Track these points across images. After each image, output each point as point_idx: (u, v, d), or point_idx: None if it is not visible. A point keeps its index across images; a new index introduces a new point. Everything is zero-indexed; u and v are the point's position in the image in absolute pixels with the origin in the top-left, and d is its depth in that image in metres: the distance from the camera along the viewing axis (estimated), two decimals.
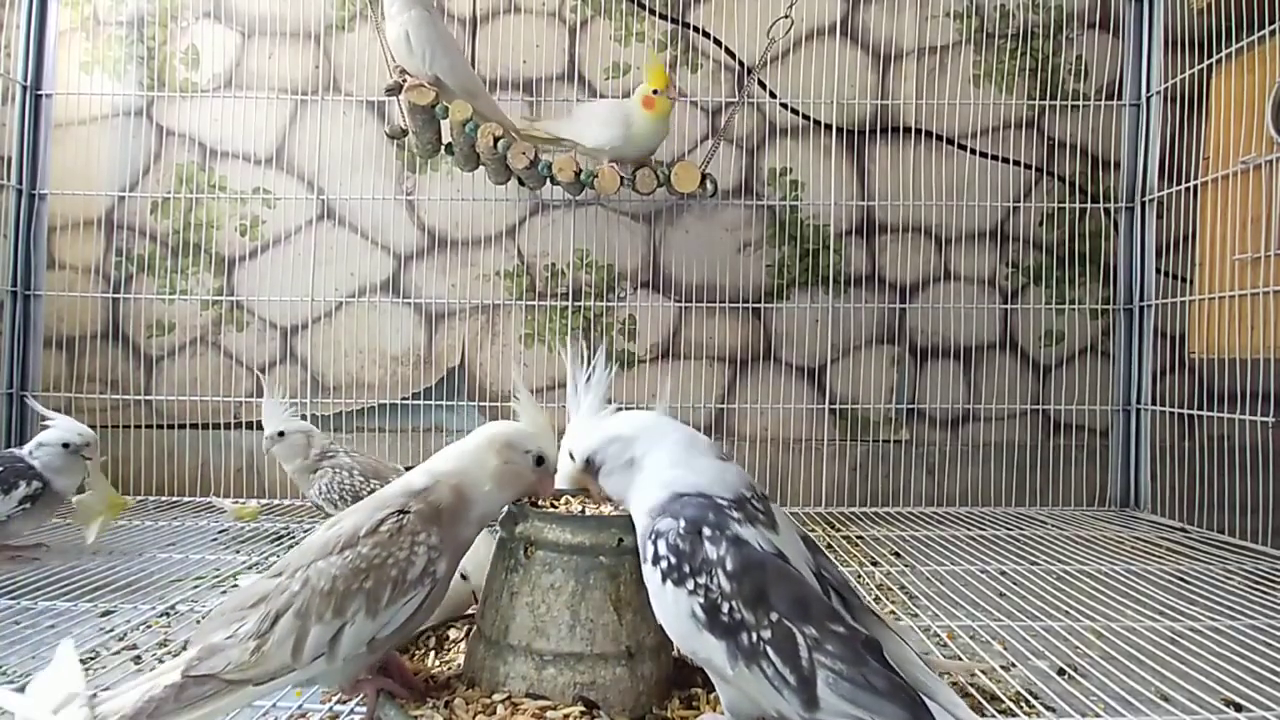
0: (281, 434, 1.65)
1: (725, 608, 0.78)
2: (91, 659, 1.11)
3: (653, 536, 0.83)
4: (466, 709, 0.90)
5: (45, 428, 1.57)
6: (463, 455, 0.96)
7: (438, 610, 1.03)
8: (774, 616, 0.77)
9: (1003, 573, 1.60)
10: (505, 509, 1.01)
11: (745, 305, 2.28)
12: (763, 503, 0.87)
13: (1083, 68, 2.30)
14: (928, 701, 0.76)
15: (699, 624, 0.79)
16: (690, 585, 0.80)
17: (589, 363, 1.06)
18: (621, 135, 1.81)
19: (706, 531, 0.81)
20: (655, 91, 1.78)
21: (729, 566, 0.79)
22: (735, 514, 0.83)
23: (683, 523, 0.82)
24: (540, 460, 0.97)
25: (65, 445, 1.53)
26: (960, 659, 1.18)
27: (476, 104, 1.77)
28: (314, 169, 2.26)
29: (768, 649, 0.76)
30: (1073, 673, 1.14)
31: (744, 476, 0.89)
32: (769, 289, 2.29)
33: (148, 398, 2.23)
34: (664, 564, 0.81)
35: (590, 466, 0.93)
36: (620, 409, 1.02)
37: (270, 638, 0.82)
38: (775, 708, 0.77)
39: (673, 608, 0.81)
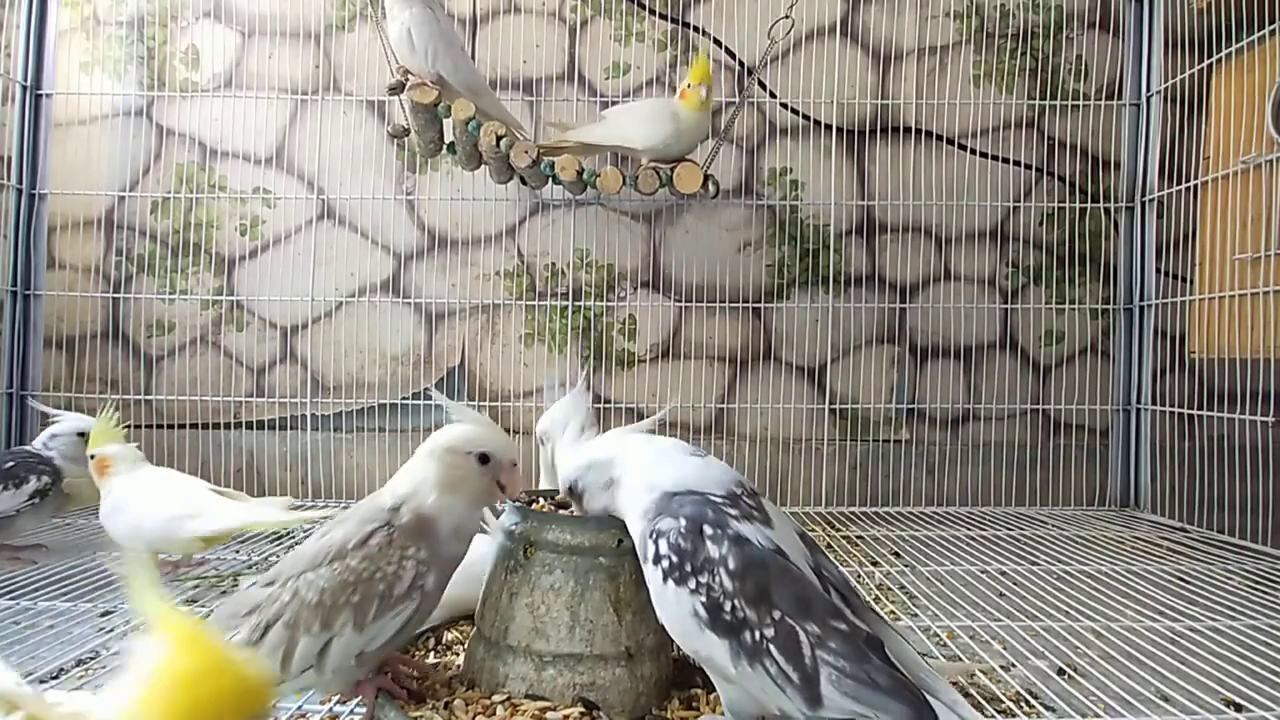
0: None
1: (728, 606, 0.78)
2: (91, 659, 1.11)
3: (653, 536, 0.83)
4: (466, 710, 0.90)
5: (50, 424, 1.59)
6: (410, 474, 0.93)
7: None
8: (776, 615, 0.77)
9: (1003, 573, 1.60)
10: (506, 511, 1.01)
11: (745, 305, 2.28)
12: (754, 499, 0.87)
13: (1083, 68, 2.30)
14: (930, 699, 0.76)
15: (701, 623, 0.79)
16: (692, 584, 0.79)
17: (575, 379, 1.05)
18: (672, 131, 1.80)
19: (708, 530, 0.81)
20: (689, 85, 1.79)
21: (731, 565, 0.79)
22: (732, 511, 0.83)
23: (683, 521, 0.82)
24: (484, 458, 0.92)
25: (81, 434, 1.56)
26: (960, 659, 1.18)
27: (479, 102, 1.77)
28: (314, 169, 2.26)
29: (770, 647, 0.76)
30: (1073, 673, 1.14)
31: (731, 472, 0.89)
32: (769, 289, 2.29)
33: (148, 398, 2.23)
34: (665, 563, 0.81)
35: (574, 494, 0.94)
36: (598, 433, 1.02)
37: (261, 648, 0.82)
38: (778, 706, 0.77)
39: (674, 607, 0.81)
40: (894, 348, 2.30)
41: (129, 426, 2.19)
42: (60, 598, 1.34)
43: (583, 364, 2.24)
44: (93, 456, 1.45)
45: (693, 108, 1.79)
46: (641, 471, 0.89)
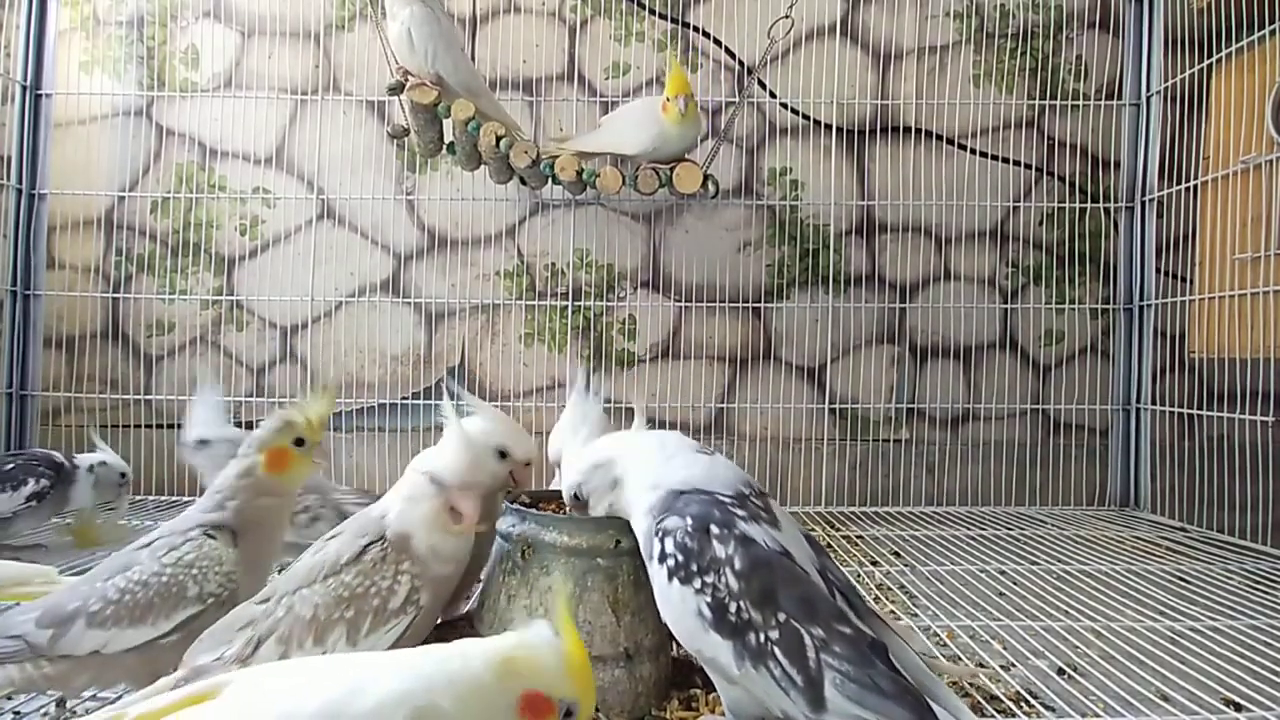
0: (204, 442, 1.42)
1: (733, 607, 0.78)
2: None
3: (659, 534, 0.83)
4: None
5: (92, 449, 1.63)
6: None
7: None
8: (781, 617, 0.77)
9: (1003, 573, 1.60)
10: (505, 511, 1.01)
11: (745, 305, 2.28)
12: (762, 500, 0.87)
13: (1083, 68, 2.30)
14: (933, 705, 0.76)
15: (706, 623, 0.79)
16: (698, 584, 0.79)
17: (587, 389, 1.07)
18: (658, 135, 1.78)
19: (714, 530, 0.81)
20: (668, 99, 1.76)
21: (737, 565, 0.79)
22: (739, 511, 0.83)
23: (690, 520, 0.82)
24: (503, 454, 0.96)
25: (123, 475, 1.61)
26: (960, 659, 1.18)
27: (479, 103, 1.77)
28: (314, 169, 2.26)
29: (775, 649, 0.76)
30: (1072, 673, 1.14)
31: (738, 471, 0.89)
32: (769, 289, 2.29)
33: (148, 398, 2.23)
34: (671, 562, 0.81)
35: (579, 500, 0.94)
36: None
37: (252, 663, 0.82)
38: (781, 708, 0.77)
39: (679, 606, 0.80)
40: (894, 347, 2.30)
41: (128, 427, 2.19)
42: None
43: (583, 364, 2.24)
44: None
45: (674, 121, 1.76)
46: (645, 469, 0.89)
